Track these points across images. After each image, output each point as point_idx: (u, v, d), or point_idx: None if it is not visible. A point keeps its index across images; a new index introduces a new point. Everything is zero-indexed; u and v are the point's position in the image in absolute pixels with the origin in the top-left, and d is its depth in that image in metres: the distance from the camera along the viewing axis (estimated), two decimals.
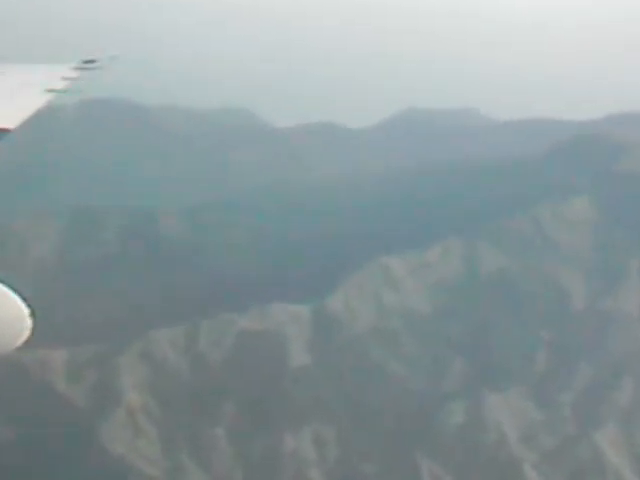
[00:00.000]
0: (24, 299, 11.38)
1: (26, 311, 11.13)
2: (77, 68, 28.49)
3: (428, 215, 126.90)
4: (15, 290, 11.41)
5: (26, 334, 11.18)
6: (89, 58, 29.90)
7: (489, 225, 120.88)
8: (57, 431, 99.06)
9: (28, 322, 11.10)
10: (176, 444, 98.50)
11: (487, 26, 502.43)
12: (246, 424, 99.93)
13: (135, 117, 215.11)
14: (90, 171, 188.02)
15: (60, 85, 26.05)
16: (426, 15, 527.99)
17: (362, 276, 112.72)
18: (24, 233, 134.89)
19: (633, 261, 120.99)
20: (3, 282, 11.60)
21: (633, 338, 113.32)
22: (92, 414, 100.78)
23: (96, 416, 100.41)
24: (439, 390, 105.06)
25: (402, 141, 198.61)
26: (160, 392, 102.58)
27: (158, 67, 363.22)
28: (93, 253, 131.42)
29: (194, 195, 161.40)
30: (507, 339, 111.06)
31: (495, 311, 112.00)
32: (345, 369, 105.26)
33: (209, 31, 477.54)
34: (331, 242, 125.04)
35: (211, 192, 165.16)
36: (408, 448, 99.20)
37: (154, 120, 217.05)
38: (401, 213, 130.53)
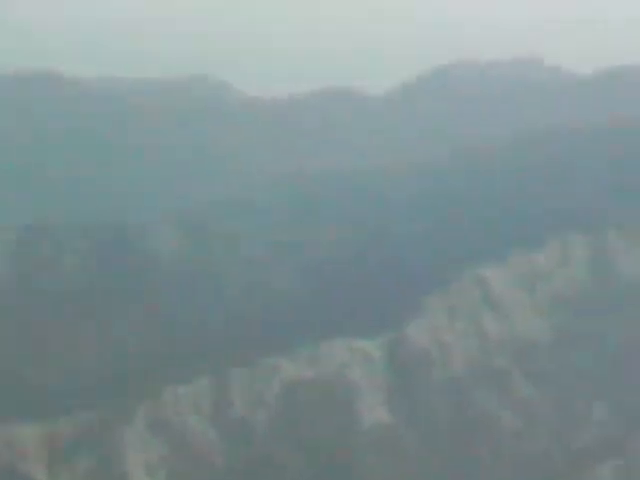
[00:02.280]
0: None
1: None
2: None
3: (529, 206, 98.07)
4: None
5: None
6: None
7: (617, 215, 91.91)
8: None
9: None
10: None
11: None
12: None
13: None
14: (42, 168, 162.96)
15: None
16: None
17: (452, 294, 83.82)
18: None
19: None
20: None
21: None
22: None
23: None
24: (577, 447, 75.98)
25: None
26: (184, 476, 73.79)
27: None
28: (57, 280, 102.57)
29: (188, 194, 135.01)
30: None
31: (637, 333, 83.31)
32: (441, 426, 76.21)
33: None
34: (402, 250, 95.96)
35: (213, 187, 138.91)
36: None
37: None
38: (487, 204, 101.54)
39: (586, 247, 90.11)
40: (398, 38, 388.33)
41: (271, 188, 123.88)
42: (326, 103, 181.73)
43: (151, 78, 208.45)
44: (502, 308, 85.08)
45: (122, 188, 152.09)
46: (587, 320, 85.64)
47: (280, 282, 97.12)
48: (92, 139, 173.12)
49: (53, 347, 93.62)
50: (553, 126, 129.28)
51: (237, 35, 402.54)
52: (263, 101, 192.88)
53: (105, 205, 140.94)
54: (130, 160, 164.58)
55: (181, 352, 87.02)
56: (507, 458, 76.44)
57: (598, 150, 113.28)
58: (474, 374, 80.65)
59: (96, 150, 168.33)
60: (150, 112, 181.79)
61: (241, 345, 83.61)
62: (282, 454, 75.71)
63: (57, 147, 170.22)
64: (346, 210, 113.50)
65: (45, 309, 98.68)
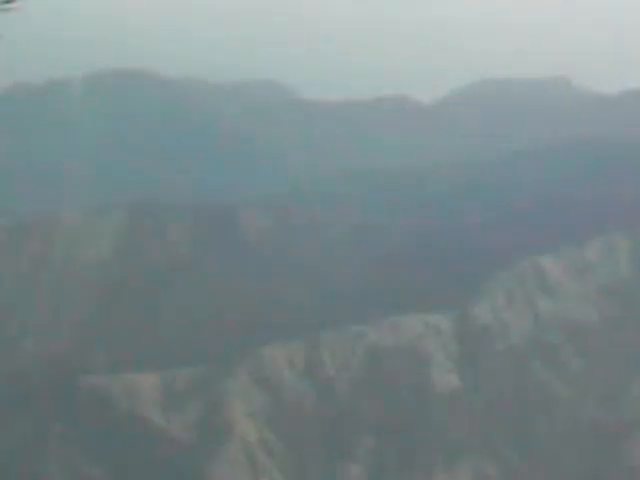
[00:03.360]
0: None
1: None
2: None
3: (581, 205, 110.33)
4: None
5: None
6: None
7: None
8: (153, 471, 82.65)
9: None
10: None
11: None
12: (388, 460, 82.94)
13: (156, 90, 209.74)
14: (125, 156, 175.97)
15: None
16: None
17: (512, 279, 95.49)
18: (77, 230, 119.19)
19: None
20: None
21: None
22: (197, 450, 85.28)
23: (202, 452, 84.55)
24: (618, 417, 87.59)
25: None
26: (280, 423, 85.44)
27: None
28: (164, 256, 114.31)
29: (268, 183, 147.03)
30: None
31: None
32: (502, 391, 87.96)
33: None
34: (468, 237, 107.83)
35: (285, 178, 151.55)
36: None
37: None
38: (544, 202, 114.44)
39: (629, 243, 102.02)
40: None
41: (348, 180, 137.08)
42: (387, 107, 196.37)
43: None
44: (555, 293, 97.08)
45: (216, 174, 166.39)
46: (629, 306, 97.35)
47: (361, 262, 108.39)
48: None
49: (165, 312, 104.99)
50: (599, 137, 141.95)
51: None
52: (332, 103, 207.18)
53: (203, 188, 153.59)
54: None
55: (279, 319, 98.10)
56: (560, 422, 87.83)
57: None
58: (530, 348, 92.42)
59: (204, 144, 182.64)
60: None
61: (331, 314, 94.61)
62: (364, 409, 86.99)
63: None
64: (417, 201, 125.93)
65: (155, 278, 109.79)
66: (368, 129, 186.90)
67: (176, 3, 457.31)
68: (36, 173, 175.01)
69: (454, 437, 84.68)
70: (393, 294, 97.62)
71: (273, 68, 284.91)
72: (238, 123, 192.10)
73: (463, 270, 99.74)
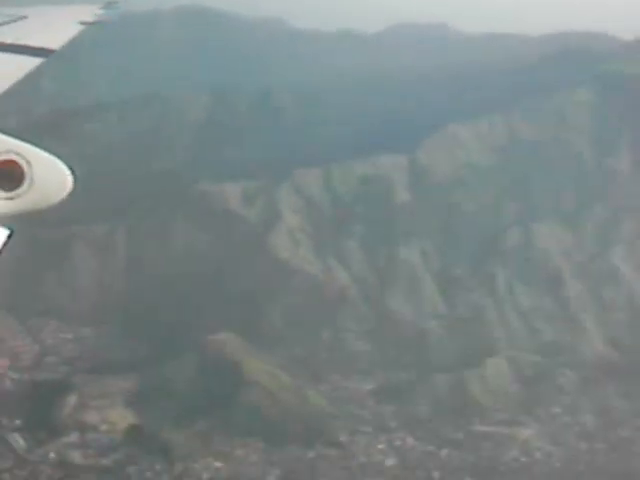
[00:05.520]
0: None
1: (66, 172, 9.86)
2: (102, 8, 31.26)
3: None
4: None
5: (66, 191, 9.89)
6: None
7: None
8: (219, 243, 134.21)
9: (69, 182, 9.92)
10: (325, 252, 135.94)
11: None
12: (372, 239, 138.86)
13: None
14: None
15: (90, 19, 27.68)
16: None
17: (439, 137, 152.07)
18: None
19: None
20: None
21: None
22: (262, 228, 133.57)
23: (265, 230, 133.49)
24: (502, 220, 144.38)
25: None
26: (310, 216, 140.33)
27: None
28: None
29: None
30: None
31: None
32: (435, 203, 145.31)
33: None
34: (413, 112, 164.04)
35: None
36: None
37: None
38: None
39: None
40: None
41: None
42: None
43: None
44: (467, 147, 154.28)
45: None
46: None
47: (361, 125, 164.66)
48: None
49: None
50: None
51: None
52: None
53: None
54: None
55: (305, 151, 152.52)
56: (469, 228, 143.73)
57: None
58: (452, 181, 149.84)
59: None
60: None
61: (338, 151, 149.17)
62: (359, 210, 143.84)
63: None
64: None
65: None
66: None
67: None
68: None
69: (407, 228, 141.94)
70: (374, 142, 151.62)
71: None
72: None
73: (412, 130, 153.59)
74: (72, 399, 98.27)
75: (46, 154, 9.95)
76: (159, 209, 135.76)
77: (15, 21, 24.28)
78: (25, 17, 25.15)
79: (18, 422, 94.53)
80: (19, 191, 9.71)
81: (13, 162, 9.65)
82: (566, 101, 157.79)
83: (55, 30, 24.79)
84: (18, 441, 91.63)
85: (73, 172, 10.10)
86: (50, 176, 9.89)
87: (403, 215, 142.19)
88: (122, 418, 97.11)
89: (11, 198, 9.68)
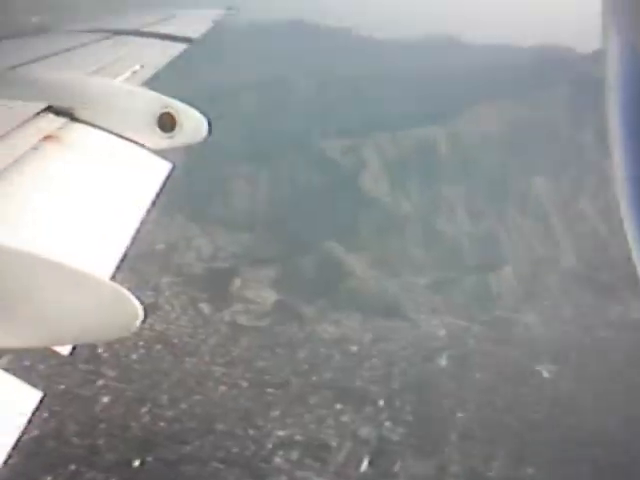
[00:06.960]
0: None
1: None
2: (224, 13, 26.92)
3: None
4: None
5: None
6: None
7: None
8: (327, 180, 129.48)
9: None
10: (395, 188, 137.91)
11: None
12: (424, 181, 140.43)
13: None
14: None
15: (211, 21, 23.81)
16: None
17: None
18: None
19: None
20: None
21: None
22: (353, 171, 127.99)
23: (355, 173, 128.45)
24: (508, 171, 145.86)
25: None
26: (385, 164, 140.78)
27: None
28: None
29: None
30: None
31: None
32: (466, 158, 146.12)
33: None
34: None
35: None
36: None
37: None
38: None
39: None
40: None
41: None
42: None
43: None
44: None
45: None
46: None
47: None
48: None
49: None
50: None
51: None
52: None
53: None
54: None
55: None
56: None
57: None
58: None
59: None
60: None
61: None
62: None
63: None
64: None
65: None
66: None
67: None
68: None
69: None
70: None
71: None
72: None
73: None
74: (237, 281, 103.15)
75: (190, 107, 10.28)
76: (289, 156, 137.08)
77: (167, 19, 22.49)
78: (174, 16, 23.23)
79: (204, 295, 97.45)
80: (173, 133, 10.02)
81: (169, 113, 10.00)
82: (548, 94, 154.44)
83: (194, 24, 22.38)
84: (204, 308, 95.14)
85: (209, 122, 10.04)
86: (192, 123, 10.17)
87: (445, 165, 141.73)
88: (270, 295, 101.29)
89: (170, 137, 10.01)
